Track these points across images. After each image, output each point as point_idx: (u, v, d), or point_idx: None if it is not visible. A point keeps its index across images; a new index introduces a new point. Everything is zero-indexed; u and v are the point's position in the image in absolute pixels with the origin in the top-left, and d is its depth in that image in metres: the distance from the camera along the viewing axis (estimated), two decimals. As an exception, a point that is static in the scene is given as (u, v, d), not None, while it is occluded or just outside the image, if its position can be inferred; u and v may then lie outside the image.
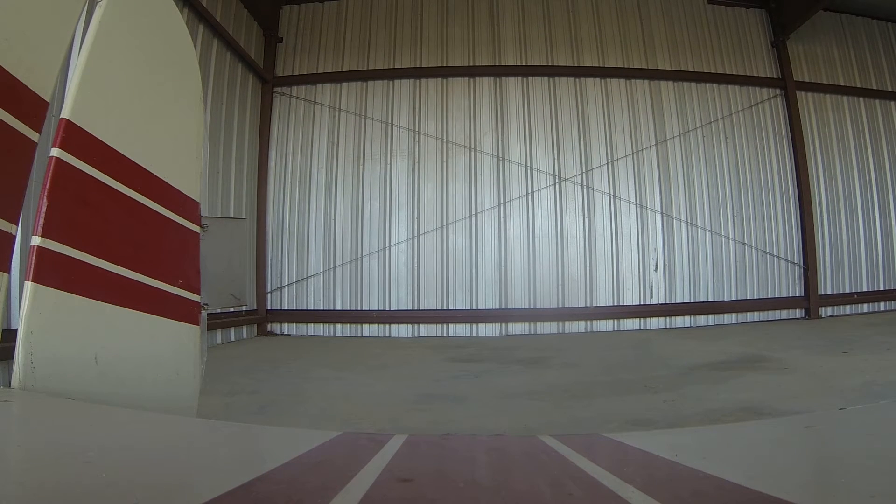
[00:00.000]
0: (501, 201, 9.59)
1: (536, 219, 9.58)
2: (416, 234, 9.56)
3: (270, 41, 10.04)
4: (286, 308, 9.64)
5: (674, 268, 9.58)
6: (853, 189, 10.22)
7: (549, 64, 9.93)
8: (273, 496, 0.72)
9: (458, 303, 9.43)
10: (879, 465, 0.74)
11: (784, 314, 9.76)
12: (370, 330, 9.42)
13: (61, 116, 1.33)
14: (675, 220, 9.65)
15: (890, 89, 10.53)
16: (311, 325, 9.61)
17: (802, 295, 9.82)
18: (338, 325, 9.54)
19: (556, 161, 9.67)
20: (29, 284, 1.23)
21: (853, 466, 0.77)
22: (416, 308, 9.43)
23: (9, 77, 1.18)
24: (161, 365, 1.59)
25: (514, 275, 9.46)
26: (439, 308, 9.42)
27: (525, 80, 9.90)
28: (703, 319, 9.51)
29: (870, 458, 0.79)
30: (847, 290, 10.01)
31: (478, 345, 7.98)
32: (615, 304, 9.44)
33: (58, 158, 1.30)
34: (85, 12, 1.45)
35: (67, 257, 1.29)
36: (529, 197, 9.60)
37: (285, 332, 9.60)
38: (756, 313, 9.65)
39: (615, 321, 9.36)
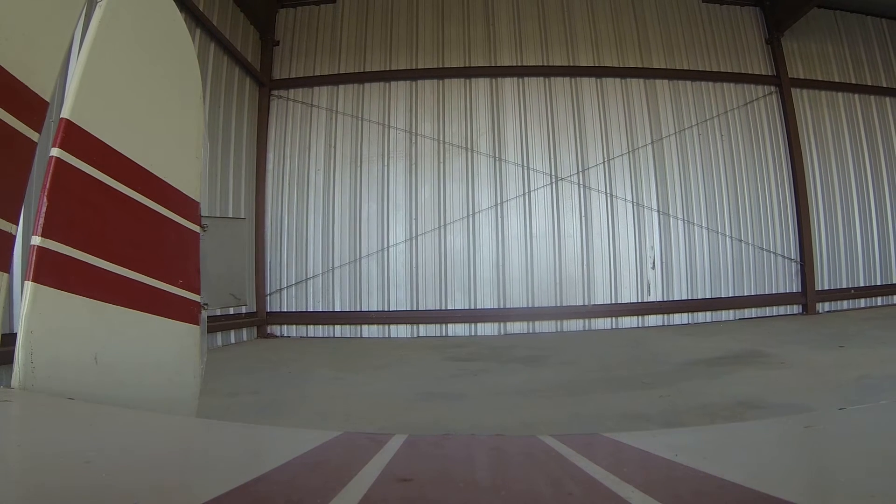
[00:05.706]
0: (498, 201, 9.60)
1: (533, 218, 9.58)
2: (414, 234, 9.55)
3: (267, 44, 10.02)
4: (286, 310, 9.62)
5: (671, 265, 9.60)
6: (849, 184, 10.25)
7: (545, 64, 9.93)
8: (273, 496, 0.72)
9: (457, 303, 9.43)
10: (879, 465, 0.74)
11: (781, 310, 9.78)
12: (370, 331, 9.41)
13: (61, 116, 1.33)
14: (671, 218, 9.67)
15: (885, 85, 10.56)
16: (311, 327, 9.59)
17: (799, 291, 9.85)
18: (337, 327, 9.52)
19: (552, 160, 9.68)
20: (29, 284, 1.22)
21: (853, 466, 0.77)
22: (415, 308, 9.42)
23: (9, 77, 1.17)
24: (161, 365, 1.59)
25: (512, 274, 9.47)
26: (438, 308, 9.42)
27: (521, 80, 9.91)
28: (701, 316, 9.53)
29: (870, 458, 0.79)
30: (844, 286, 10.04)
31: (477, 344, 7.98)
32: (613, 302, 9.46)
33: (58, 158, 1.30)
34: (85, 12, 1.45)
35: (67, 257, 1.28)
36: (526, 197, 9.61)
37: (285, 335, 9.58)
38: (753, 310, 9.67)
39: (613, 319, 9.37)
